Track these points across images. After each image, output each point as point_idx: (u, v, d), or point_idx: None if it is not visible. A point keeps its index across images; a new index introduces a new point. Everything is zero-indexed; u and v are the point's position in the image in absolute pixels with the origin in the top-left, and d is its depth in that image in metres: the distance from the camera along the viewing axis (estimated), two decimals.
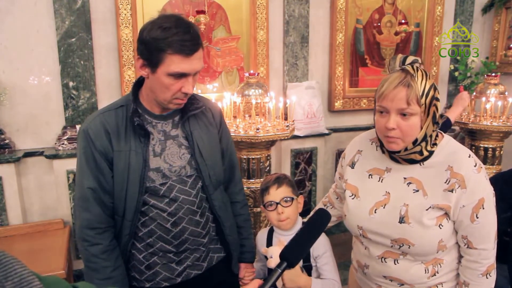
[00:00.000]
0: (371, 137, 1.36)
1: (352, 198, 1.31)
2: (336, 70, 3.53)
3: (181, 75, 1.19)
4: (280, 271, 0.94)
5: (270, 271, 1.52)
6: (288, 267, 0.96)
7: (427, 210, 1.17)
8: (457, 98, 2.62)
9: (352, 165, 1.36)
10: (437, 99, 1.16)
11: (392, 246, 1.21)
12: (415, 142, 1.16)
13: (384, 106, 1.15)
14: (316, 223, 1.09)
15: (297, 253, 1.00)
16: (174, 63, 1.16)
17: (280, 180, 1.52)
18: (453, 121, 2.51)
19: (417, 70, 1.15)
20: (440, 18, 3.81)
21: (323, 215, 1.12)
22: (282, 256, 0.97)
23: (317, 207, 1.68)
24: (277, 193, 1.49)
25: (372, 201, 1.26)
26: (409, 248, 1.18)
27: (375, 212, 1.24)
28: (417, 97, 1.11)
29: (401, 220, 1.19)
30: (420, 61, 1.31)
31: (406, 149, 1.18)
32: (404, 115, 1.13)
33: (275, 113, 2.45)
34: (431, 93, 1.13)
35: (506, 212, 1.56)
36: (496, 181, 1.23)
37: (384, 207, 1.23)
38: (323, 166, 3.52)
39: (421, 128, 1.15)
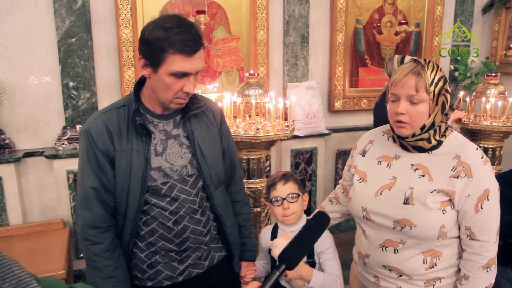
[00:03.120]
0: (383, 130, 1.42)
1: (360, 182, 1.36)
2: (336, 70, 3.53)
3: (182, 75, 1.20)
4: (278, 273, 0.95)
5: (273, 267, 1.53)
6: (286, 269, 0.98)
7: (431, 192, 1.20)
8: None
9: (363, 153, 1.41)
10: (447, 91, 1.21)
11: (394, 227, 1.24)
12: (422, 128, 1.21)
13: (395, 93, 1.21)
14: (315, 225, 1.10)
15: (295, 255, 1.01)
16: (175, 62, 1.17)
17: (287, 176, 1.56)
18: None
19: (429, 62, 1.21)
20: (440, 18, 3.81)
21: (323, 218, 1.13)
22: (281, 258, 0.98)
23: (323, 203, 1.70)
24: (283, 189, 1.52)
25: (378, 184, 1.30)
26: (410, 229, 1.21)
27: (380, 194, 1.28)
28: (426, 85, 1.17)
29: (406, 202, 1.23)
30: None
31: (414, 135, 1.23)
32: (414, 102, 1.18)
33: (275, 113, 2.44)
34: (441, 83, 1.19)
35: (509, 214, 1.55)
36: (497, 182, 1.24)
37: (389, 190, 1.27)
38: (323, 166, 3.52)
39: (429, 115, 1.20)
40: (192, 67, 1.20)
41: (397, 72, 1.22)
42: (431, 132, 1.22)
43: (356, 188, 1.36)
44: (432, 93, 1.18)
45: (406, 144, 1.28)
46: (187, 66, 1.18)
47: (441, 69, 1.21)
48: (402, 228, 1.22)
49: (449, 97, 1.22)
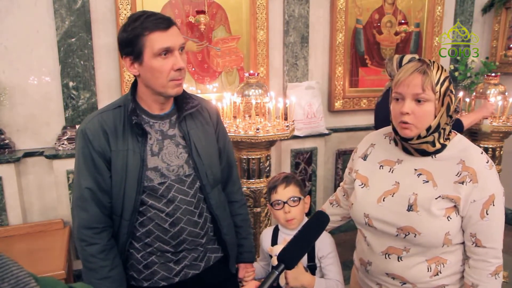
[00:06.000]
0: (385, 132, 1.38)
1: (362, 187, 1.32)
2: (336, 70, 3.53)
3: (166, 51, 1.21)
4: (277, 273, 0.95)
5: (273, 268, 1.53)
6: (285, 269, 0.97)
7: (436, 199, 1.17)
8: (481, 106, 2.66)
9: (365, 157, 1.38)
10: (452, 92, 1.18)
11: (397, 235, 1.21)
12: (428, 130, 1.17)
13: (399, 92, 1.18)
14: (314, 225, 1.10)
15: (294, 255, 1.00)
16: (155, 41, 1.19)
17: (288, 179, 1.53)
18: (465, 126, 2.48)
19: (433, 62, 1.18)
20: (440, 18, 3.81)
21: (322, 218, 1.12)
22: (280, 258, 0.98)
23: (323, 206, 1.68)
24: (284, 192, 1.50)
25: (381, 190, 1.27)
26: (414, 237, 1.18)
27: (383, 200, 1.25)
28: (432, 84, 1.14)
29: (409, 208, 1.19)
30: (417, 58, 1.33)
31: (419, 137, 1.19)
32: (419, 101, 1.15)
33: (275, 113, 2.44)
34: (446, 84, 1.16)
35: None
36: None
37: (392, 196, 1.24)
38: (323, 166, 3.52)
39: (435, 116, 1.17)
40: (172, 39, 1.21)
41: (402, 71, 1.18)
42: (436, 135, 1.18)
43: (357, 194, 1.32)
44: (438, 93, 1.15)
45: (408, 147, 1.23)
46: (167, 40, 1.20)
47: (445, 70, 1.19)
48: (406, 235, 1.19)
49: (454, 98, 1.19)
